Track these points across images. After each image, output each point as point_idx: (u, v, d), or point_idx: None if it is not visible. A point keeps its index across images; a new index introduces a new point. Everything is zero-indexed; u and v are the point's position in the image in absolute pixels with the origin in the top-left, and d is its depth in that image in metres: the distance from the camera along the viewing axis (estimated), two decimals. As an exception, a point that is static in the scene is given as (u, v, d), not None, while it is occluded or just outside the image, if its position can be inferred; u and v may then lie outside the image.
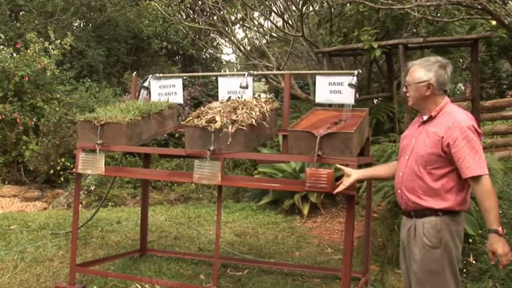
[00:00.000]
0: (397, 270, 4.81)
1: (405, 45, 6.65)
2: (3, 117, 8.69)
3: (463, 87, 11.51)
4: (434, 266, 2.90)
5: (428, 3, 5.81)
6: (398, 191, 3.06)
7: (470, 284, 4.36)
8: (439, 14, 7.63)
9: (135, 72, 5.51)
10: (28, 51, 9.11)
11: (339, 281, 4.53)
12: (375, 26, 7.34)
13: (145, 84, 5.06)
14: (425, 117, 2.99)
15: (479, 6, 5.27)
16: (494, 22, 6.87)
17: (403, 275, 3.17)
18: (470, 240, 4.65)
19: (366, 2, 6.45)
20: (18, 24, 12.95)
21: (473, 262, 4.50)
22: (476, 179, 2.77)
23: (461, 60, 9.61)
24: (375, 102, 8.94)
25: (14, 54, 9.31)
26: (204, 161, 3.78)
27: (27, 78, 8.86)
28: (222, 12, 9.84)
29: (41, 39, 9.59)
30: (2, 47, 9.56)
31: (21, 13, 13.66)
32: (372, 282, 4.58)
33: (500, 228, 2.75)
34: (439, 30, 7.57)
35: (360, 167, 4.59)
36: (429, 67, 2.94)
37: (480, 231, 4.65)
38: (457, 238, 2.93)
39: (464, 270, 4.45)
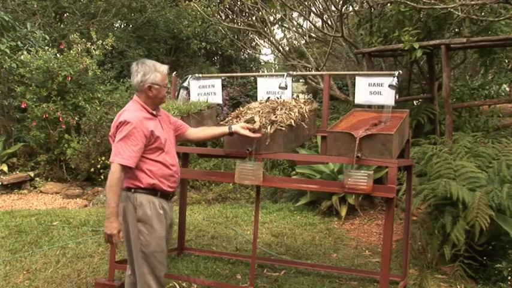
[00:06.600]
0: (437, 274, 4.73)
1: (447, 45, 6.51)
2: (47, 116, 8.92)
3: (507, 89, 11.21)
4: None
5: (473, 2, 5.68)
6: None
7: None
8: (483, 13, 7.44)
9: (174, 73, 5.56)
10: (71, 51, 9.32)
11: (376, 284, 4.48)
12: (416, 26, 7.21)
13: (185, 84, 5.11)
14: None
15: (527, 5, 5.13)
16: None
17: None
18: None
19: (408, 2, 6.35)
20: (62, 25, 13.24)
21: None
22: None
23: (506, 61, 9.36)
24: (415, 104, 8.80)
25: (58, 55, 9.52)
26: (246, 161, 3.78)
27: (70, 78, 9.06)
28: (260, 13, 9.86)
29: (83, 40, 9.79)
30: (47, 48, 9.77)
31: (65, 15, 13.97)
32: (410, 287, 4.50)
33: None
34: (483, 30, 7.36)
35: (400, 169, 4.54)
36: None
37: None
38: None
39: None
